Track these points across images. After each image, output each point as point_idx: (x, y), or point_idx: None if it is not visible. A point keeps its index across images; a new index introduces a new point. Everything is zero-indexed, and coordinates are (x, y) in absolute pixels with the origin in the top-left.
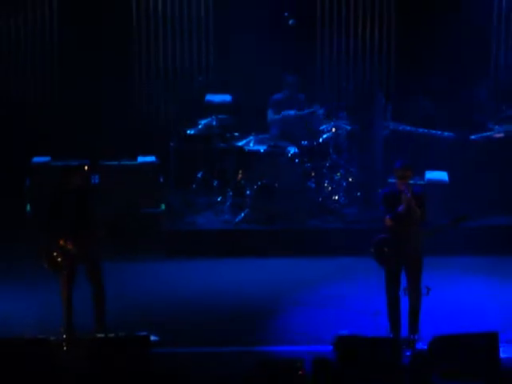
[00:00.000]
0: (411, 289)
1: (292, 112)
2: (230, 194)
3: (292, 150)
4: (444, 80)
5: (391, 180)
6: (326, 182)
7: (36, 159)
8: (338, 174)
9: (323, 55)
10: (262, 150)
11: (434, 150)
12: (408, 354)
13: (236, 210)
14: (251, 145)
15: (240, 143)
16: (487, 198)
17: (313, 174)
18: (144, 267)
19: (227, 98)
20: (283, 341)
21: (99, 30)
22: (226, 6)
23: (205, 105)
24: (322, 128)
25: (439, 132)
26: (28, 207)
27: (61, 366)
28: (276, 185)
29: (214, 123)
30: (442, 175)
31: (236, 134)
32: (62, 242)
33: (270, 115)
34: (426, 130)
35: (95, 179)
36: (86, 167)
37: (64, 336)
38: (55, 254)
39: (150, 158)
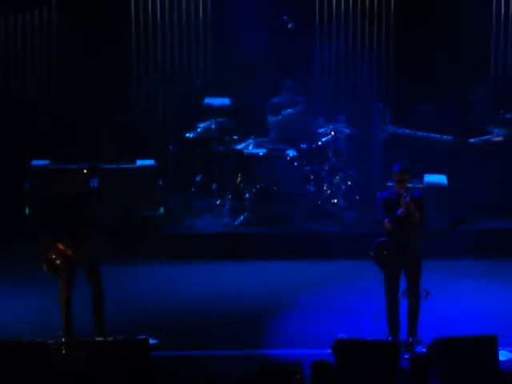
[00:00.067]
0: (410, 292)
1: (290, 110)
2: (229, 197)
3: (291, 153)
4: (443, 83)
5: (390, 183)
6: (325, 185)
7: (35, 162)
8: (337, 178)
9: (322, 58)
10: (260, 154)
11: (433, 153)
12: (407, 357)
13: (235, 213)
14: (250, 148)
15: (239, 146)
16: (486, 201)
17: (312, 178)
18: (143, 270)
19: (226, 101)
20: (282, 344)
21: (98, 35)
22: (225, 9)
23: (204, 108)
24: (320, 131)
25: (438, 135)
26: (27, 210)
27: (59, 370)
28: (275, 188)
29: (213, 126)
30: (440, 178)
31: (235, 137)
32: (60, 245)
33: (270, 118)
34: (424, 134)
35: (94, 182)
36: (85, 170)
37: (63, 339)
38: (54, 256)
39: (149, 162)
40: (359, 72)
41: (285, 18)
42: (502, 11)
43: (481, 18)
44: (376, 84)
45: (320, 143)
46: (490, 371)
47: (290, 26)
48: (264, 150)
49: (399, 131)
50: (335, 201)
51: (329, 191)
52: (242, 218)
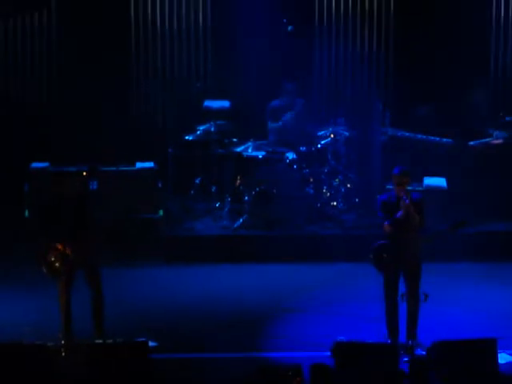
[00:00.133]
0: (409, 295)
1: (289, 114)
2: (229, 199)
3: (290, 155)
4: (442, 86)
5: (389, 186)
6: (325, 187)
7: (35, 165)
8: (337, 180)
9: (321, 61)
10: (260, 156)
11: (433, 156)
12: (406, 359)
13: (234, 215)
14: (250, 151)
15: (238, 149)
16: (486, 203)
17: (311, 180)
18: (142, 273)
19: (225, 103)
20: (282, 347)
21: (98, 38)
22: (224, 12)
23: (203, 111)
24: (320, 134)
25: (437, 138)
26: (26, 213)
27: (59, 372)
28: (274, 191)
29: (213, 129)
30: (440, 181)
31: (234, 139)
32: (60, 248)
33: (270, 124)
34: (424, 136)
35: (94, 185)
36: (85, 173)
37: (62, 342)
38: (53, 259)
39: (149, 164)
40: (359, 74)
41: (284, 20)
42: (502, 13)
43: (480, 20)
44: (375, 86)
45: (319, 146)
46: (490, 374)
47: (289, 28)
48: (263, 153)
49: (399, 134)
50: (335, 203)
51: (328, 194)
52: (241, 220)
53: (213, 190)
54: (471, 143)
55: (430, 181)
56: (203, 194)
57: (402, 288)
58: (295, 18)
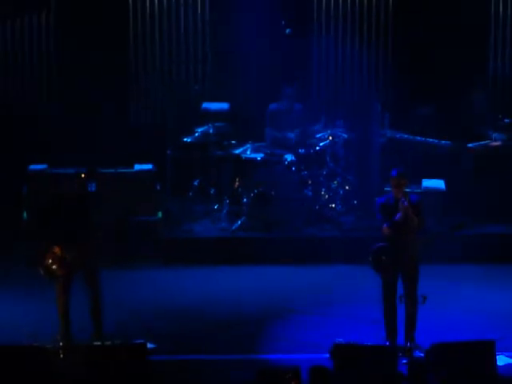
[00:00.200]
0: (408, 297)
1: (292, 135)
2: (227, 201)
3: (289, 157)
4: (441, 88)
5: (388, 188)
6: (323, 190)
7: (33, 167)
8: (335, 182)
9: (320, 63)
10: (258, 158)
11: (431, 158)
12: (405, 362)
13: (233, 217)
14: (248, 153)
15: (237, 151)
16: (484, 205)
17: (310, 182)
18: (141, 275)
19: (224, 105)
20: (280, 349)
21: (97, 38)
22: (223, 14)
23: (201, 113)
24: (318, 136)
25: (436, 140)
26: (25, 215)
27: (57, 374)
28: (273, 193)
29: (211, 131)
30: (438, 183)
31: (233, 141)
32: (57, 250)
33: (269, 131)
34: (423, 138)
35: (92, 187)
36: (83, 175)
37: (61, 343)
38: (50, 261)
39: (147, 166)
40: (357, 76)
41: (282, 23)
42: (501, 15)
43: (479, 22)
44: (374, 88)
45: (318, 148)
46: (488, 376)
47: (287, 31)
48: (262, 155)
49: (397, 136)
50: (333, 205)
51: (327, 196)
52: (239, 222)
53: (211, 191)
54: (470, 145)
55: (428, 183)
56: (202, 195)
57: (400, 290)
58: (293, 21)
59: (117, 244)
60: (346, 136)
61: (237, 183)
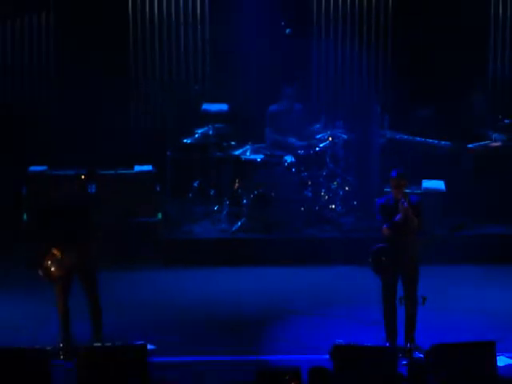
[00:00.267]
0: (407, 298)
1: (293, 140)
2: (227, 203)
3: (289, 159)
4: (441, 88)
5: (388, 189)
6: (323, 191)
7: (33, 168)
8: (335, 183)
9: (320, 63)
10: (258, 159)
11: (431, 158)
12: (405, 363)
13: (233, 219)
14: (248, 154)
15: (237, 152)
16: (484, 206)
17: (309, 183)
18: (141, 276)
19: (224, 107)
20: (280, 350)
21: (97, 39)
22: (223, 15)
23: (201, 114)
24: (318, 137)
25: (436, 141)
26: (24, 216)
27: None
28: (273, 194)
29: (211, 132)
30: (438, 184)
31: (233, 143)
32: (56, 252)
33: (269, 133)
34: (422, 139)
35: (92, 188)
36: (83, 176)
37: (61, 345)
38: (49, 263)
39: (147, 167)
40: (357, 77)
41: (282, 23)
42: (501, 16)
43: (479, 23)
44: (374, 89)
45: (318, 149)
46: (488, 377)
47: (287, 31)
48: (262, 156)
49: (397, 136)
50: (333, 206)
51: (326, 197)
52: (239, 223)
53: (211, 193)
54: (470, 146)
55: (428, 183)
56: (201, 197)
57: (400, 291)
58: (293, 21)
59: (117, 245)
60: (345, 137)
61: (237, 184)
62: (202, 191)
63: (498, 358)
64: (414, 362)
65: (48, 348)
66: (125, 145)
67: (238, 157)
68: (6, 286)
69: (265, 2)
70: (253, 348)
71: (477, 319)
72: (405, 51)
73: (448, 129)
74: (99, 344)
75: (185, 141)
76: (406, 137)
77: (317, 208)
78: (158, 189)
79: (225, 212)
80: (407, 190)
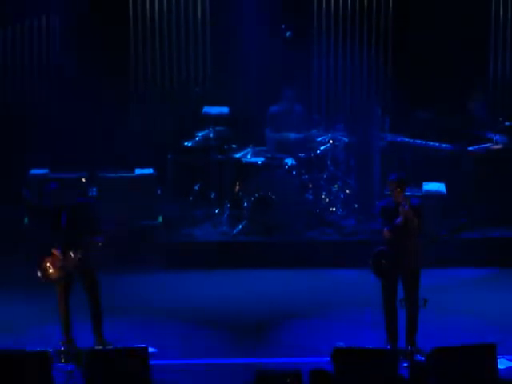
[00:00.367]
0: (408, 301)
1: (292, 135)
2: (228, 205)
3: (289, 161)
4: (442, 91)
5: (388, 192)
6: (324, 193)
7: (34, 171)
8: (336, 186)
9: (320, 66)
10: (259, 162)
11: (432, 161)
12: (406, 365)
13: (234, 221)
14: (249, 157)
15: (237, 155)
16: (485, 209)
17: (310, 186)
18: (142, 279)
19: (225, 109)
20: (281, 352)
21: (97, 41)
22: (223, 16)
23: (202, 117)
24: (319, 140)
25: (437, 143)
26: (26, 219)
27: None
28: (273, 197)
29: (212, 135)
30: (439, 187)
31: (233, 145)
32: (56, 254)
33: (269, 132)
34: (423, 142)
35: (93, 191)
36: (84, 179)
37: (62, 348)
38: (48, 265)
39: (148, 170)
40: (358, 80)
41: (283, 26)
42: (501, 17)
43: (479, 25)
44: (375, 92)
45: (318, 152)
46: (489, 380)
47: (287, 34)
48: (262, 159)
49: (398, 139)
50: (334, 209)
51: (327, 200)
52: (240, 226)
53: (212, 196)
54: (471, 148)
55: (429, 186)
56: (202, 200)
57: (400, 294)
58: (294, 24)
59: (117, 248)
60: (346, 140)
61: (237, 187)
62: (202, 194)
63: (498, 360)
64: (415, 365)
65: (49, 350)
66: (126, 148)
67: (238, 160)
68: (8, 287)
69: (265, 4)
70: (253, 351)
71: (477, 322)
72: (405, 53)
73: (448, 131)
74: (101, 347)
75: (185, 144)
76: (406, 139)
77: (317, 211)
78: (158, 192)
79: (226, 215)
80: (408, 193)
